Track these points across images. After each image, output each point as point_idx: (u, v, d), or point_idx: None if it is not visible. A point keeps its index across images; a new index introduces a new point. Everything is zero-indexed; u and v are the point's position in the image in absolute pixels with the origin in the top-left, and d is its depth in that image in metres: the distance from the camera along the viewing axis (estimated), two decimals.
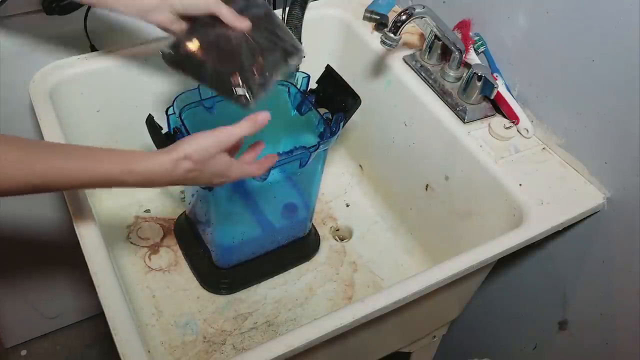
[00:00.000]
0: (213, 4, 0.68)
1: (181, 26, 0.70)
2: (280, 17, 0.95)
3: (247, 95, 0.69)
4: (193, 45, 0.70)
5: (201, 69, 0.69)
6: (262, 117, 0.63)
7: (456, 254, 0.69)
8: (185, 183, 0.61)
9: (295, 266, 0.94)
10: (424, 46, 0.91)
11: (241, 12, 0.71)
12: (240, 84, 0.69)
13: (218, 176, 0.62)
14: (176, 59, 0.70)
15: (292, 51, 0.73)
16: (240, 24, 0.70)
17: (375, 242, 0.99)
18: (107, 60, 0.86)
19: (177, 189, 1.01)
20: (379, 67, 0.96)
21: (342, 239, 1.00)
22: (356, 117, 0.83)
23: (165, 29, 0.70)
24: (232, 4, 0.71)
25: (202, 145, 0.59)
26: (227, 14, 0.69)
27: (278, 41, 0.73)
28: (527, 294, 0.97)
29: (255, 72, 0.70)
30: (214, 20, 0.69)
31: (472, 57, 0.87)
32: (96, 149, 0.57)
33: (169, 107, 0.74)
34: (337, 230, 1.01)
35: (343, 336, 0.64)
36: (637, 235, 0.75)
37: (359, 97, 0.77)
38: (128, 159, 0.56)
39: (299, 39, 0.96)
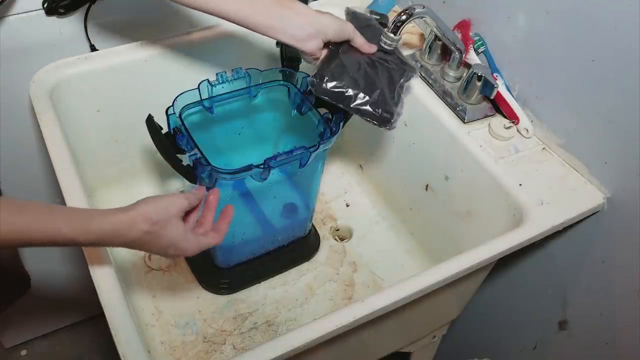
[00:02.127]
0: (352, 32, 0.75)
1: (323, 53, 0.75)
2: None
3: (390, 117, 0.74)
4: (338, 71, 0.73)
5: (346, 94, 0.73)
6: (213, 196, 0.67)
7: (456, 254, 0.69)
8: (140, 247, 0.59)
9: (295, 266, 0.93)
10: (424, 46, 0.91)
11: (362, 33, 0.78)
12: (388, 110, 0.74)
13: (172, 246, 0.60)
14: (324, 86, 0.73)
15: (410, 69, 0.80)
16: (370, 48, 0.77)
17: (375, 242, 0.99)
18: (107, 60, 0.86)
19: (177, 186, 1.01)
20: None
21: (342, 239, 1.00)
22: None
23: (312, 56, 0.75)
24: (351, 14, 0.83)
25: (160, 204, 0.59)
26: (360, 40, 0.76)
27: (396, 60, 0.79)
28: (527, 294, 0.97)
29: (391, 93, 0.76)
30: (341, 45, 0.76)
31: (472, 57, 0.87)
32: (55, 207, 0.54)
33: (169, 107, 0.74)
34: (337, 230, 1.01)
35: (343, 336, 0.64)
36: (637, 235, 0.75)
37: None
38: (83, 217, 0.54)
39: None
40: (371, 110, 0.73)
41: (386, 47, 0.80)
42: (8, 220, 0.50)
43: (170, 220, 0.59)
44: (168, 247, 0.60)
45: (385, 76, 0.76)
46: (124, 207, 0.57)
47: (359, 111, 0.73)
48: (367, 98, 0.73)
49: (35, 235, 0.52)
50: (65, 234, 0.53)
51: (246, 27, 0.71)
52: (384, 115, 0.73)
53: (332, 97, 0.73)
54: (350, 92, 0.73)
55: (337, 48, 0.76)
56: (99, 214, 0.55)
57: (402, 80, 0.78)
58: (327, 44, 0.75)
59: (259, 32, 0.71)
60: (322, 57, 0.75)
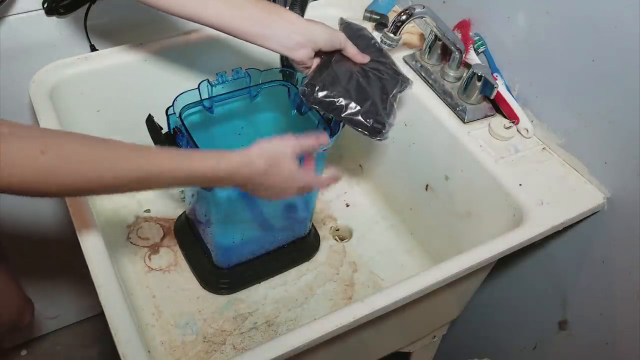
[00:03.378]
0: (344, 41, 0.75)
1: (315, 62, 0.75)
2: None
3: (382, 128, 0.73)
4: (329, 80, 0.73)
5: (337, 104, 0.73)
6: (324, 138, 0.68)
7: (456, 254, 0.69)
8: (255, 185, 0.63)
9: (295, 266, 0.93)
10: (424, 46, 0.91)
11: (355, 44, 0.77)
12: (380, 120, 0.73)
13: (285, 183, 0.64)
14: (314, 96, 0.73)
15: (403, 80, 0.79)
16: (363, 58, 0.77)
17: (375, 242, 0.99)
18: (107, 60, 0.86)
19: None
20: None
21: (342, 239, 1.00)
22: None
23: (302, 65, 0.74)
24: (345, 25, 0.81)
25: (274, 144, 0.63)
26: (353, 50, 0.76)
27: (390, 71, 0.78)
28: (527, 294, 0.97)
29: (384, 103, 0.75)
30: (333, 55, 0.75)
31: (472, 57, 0.87)
32: (179, 149, 0.60)
33: (169, 107, 0.74)
34: (337, 230, 1.01)
35: (343, 336, 0.64)
36: (637, 235, 0.75)
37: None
38: (213, 157, 0.59)
39: None
40: (362, 120, 0.73)
41: (385, 47, 0.81)
42: (156, 161, 0.55)
43: (285, 159, 0.63)
44: (282, 183, 0.64)
45: (378, 86, 0.76)
46: (239, 149, 0.61)
47: (350, 121, 0.73)
48: (358, 108, 0.72)
49: (182, 176, 0.57)
50: (202, 172, 0.58)
51: (232, 35, 0.70)
52: (375, 126, 0.73)
53: (323, 106, 0.73)
54: (342, 101, 0.72)
55: (329, 57, 0.75)
56: (222, 154, 0.60)
57: (395, 91, 0.77)
58: (318, 53, 0.75)
59: (246, 40, 0.71)
60: (313, 66, 0.75)
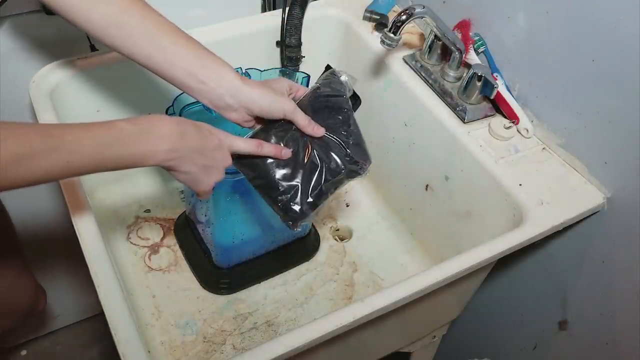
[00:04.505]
0: (289, 111, 0.66)
1: (255, 124, 0.69)
2: (283, 18, 0.95)
3: (294, 217, 0.66)
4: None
5: (259, 176, 0.66)
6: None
7: (456, 254, 0.69)
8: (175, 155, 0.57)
9: (295, 266, 0.94)
10: (424, 46, 0.91)
11: (324, 97, 0.69)
12: (291, 205, 0.65)
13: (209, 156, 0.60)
14: (243, 157, 0.66)
15: (357, 169, 0.69)
16: (313, 131, 0.67)
17: (375, 242, 0.99)
18: (107, 60, 0.86)
19: (179, 186, 1.01)
20: (379, 67, 0.96)
21: (342, 239, 1.00)
22: (356, 117, 0.83)
23: (241, 125, 0.68)
24: (316, 90, 0.70)
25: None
26: (302, 121, 0.66)
27: (341, 153, 0.68)
28: (527, 294, 0.97)
29: (311, 190, 0.66)
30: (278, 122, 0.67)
31: (472, 57, 0.87)
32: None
33: (169, 107, 0.74)
34: (337, 230, 1.01)
35: (343, 336, 0.64)
36: (637, 235, 0.75)
37: (359, 97, 0.77)
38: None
39: (299, 39, 0.96)
40: (278, 205, 0.65)
41: (385, 47, 0.80)
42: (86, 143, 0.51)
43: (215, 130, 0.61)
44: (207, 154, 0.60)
45: (315, 168, 0.66)
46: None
47: (266, 196, 0.66)
48: (280, 188, 0.65)
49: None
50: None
51: (162, 77, 0.65)
52: (290, 215, 0.66)
53: (247, 170, 0.66)
54: (268, 175, 0.65)
55: (273, 123, 0.67)
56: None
57: (333, 179, 0.67)
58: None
59: (175, 86, 0.65)
60: (258, 127, 0.69)
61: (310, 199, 0.66)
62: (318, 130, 0.67)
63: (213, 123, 0.63)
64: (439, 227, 0.92)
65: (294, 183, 0.65)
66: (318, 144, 0.67)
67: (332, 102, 0.70)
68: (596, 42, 0.71)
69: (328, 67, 0.74)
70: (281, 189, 0.65)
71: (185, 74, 0.63)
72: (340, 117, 0.69)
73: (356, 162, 0.68)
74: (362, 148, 0.70)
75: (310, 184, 0.66)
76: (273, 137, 0.66)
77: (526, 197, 0.76)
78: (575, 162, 0.80)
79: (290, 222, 0.66)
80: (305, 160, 0.66)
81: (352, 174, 0.69)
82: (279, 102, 0.65)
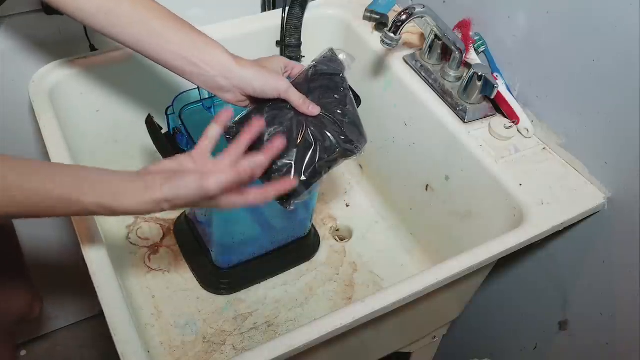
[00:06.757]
0: (283, 91, 0.65)
1: (250, 104, 0.68)
2: (283, 17, 0.95)
3: (287, 195, 0.64)
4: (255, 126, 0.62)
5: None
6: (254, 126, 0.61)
7: (456, 254, 0.69)
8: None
9: (295, 266, 0.93)
10: (424, 46, 0.91)
11: (320, 75, 0.68)
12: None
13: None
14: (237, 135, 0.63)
15: (351, 148, 0.67)
16: (308, 110, 0.66)
17: (375, 242, 0.99)
18: (107, 60, 0.86)
19: None
20: (379, 67, 0.95)
21: (342, 239, 1.00)
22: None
23: (236, 104, 0.67)
24: (312, 68, 0.69)
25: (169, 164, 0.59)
26: (297, 100, 0.66)
27: (337, 132, 0.67)
28: (527, 294, 0.97)
29: (304, 169, 0.64)
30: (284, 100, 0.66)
31: (473, 57, 0.87)
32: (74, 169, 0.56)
33: (169, 107, 0.74)
34: (337, 230, 1.01)
35: (343, 336, 0.63)
36: (637, 235, 0.75)
37: (359, 96, 0.77)
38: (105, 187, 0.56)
39: (299, 39, 0.96)
40: (266, 176, 0.63)
41: (385, 47, 0.80)
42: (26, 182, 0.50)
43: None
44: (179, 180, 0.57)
45: (309, 147, 0.65)
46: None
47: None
48: (273, 167, 0.63)
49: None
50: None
51: (154, 61, 0.65)
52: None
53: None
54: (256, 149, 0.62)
55: (267, 102, 0.67)
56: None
57: (328, 157, 0.66)
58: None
59: (168, 69, 0.65)
60: (252, 106, 0.68)
61: (303, 177, 0.65)
62: (313, 109, 0.66)
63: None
64: (439, 227, 0.92)
65: (287, 161, 0.64)
66: (313, 122, 0.66)
67: (329, 81, 0.69)
68: (596, 42, 0.71)
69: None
70: (274, 167, 0.64)
71: (177, 57, 0.64)
72: (337, 96, 0.68)
73: (351, 141, 0.67)
74: (357, 127, 0.69)
75: (304, 162, 0.65)
76: (266, 116, 0.65)
77: (526, 197, 0.76)
78: (576, 162, 0.80)
79: (284, 201, 0.65)
80: (299, 139, 0.65)
81: (347, 153, 0.67)
82: (272, 81, 0.65)
